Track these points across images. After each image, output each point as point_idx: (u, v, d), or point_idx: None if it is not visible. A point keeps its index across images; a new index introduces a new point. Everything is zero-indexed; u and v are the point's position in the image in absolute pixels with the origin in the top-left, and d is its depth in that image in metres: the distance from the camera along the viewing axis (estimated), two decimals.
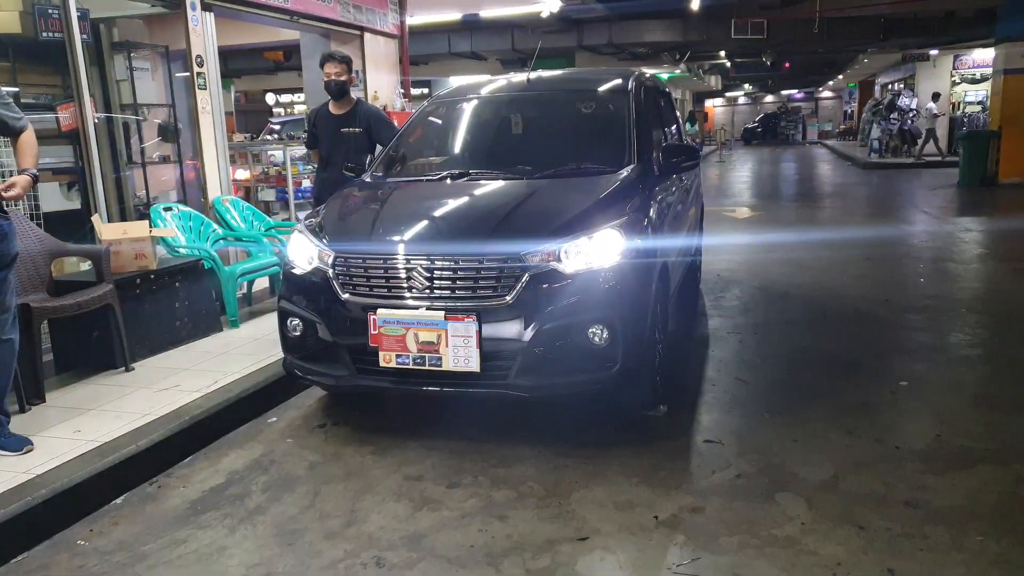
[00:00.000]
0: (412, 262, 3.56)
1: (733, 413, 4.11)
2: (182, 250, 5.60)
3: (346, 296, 3.68)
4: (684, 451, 3.65)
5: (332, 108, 5.66)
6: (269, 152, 9.78)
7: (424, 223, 3.85)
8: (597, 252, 3.54)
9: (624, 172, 4.21)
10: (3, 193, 3.33)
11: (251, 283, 6.34)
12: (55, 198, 6.94)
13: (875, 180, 17.94)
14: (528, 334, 3.45)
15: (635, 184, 4.14)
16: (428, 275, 3.53)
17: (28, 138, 3.56)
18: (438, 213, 3.96)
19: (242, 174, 9.66)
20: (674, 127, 6.18)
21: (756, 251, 8.98)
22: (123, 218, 6.83)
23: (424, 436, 3.93)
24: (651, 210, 4.07)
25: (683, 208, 5.25)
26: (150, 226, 5.14)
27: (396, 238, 3.72)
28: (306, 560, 2.86)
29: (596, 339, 3.49)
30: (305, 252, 3.90)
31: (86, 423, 3.88)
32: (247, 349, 5.08)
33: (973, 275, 7.41)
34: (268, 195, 8.99)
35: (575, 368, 3.54)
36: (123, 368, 4.67)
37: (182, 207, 6.01)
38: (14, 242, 3.52)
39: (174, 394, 4.26)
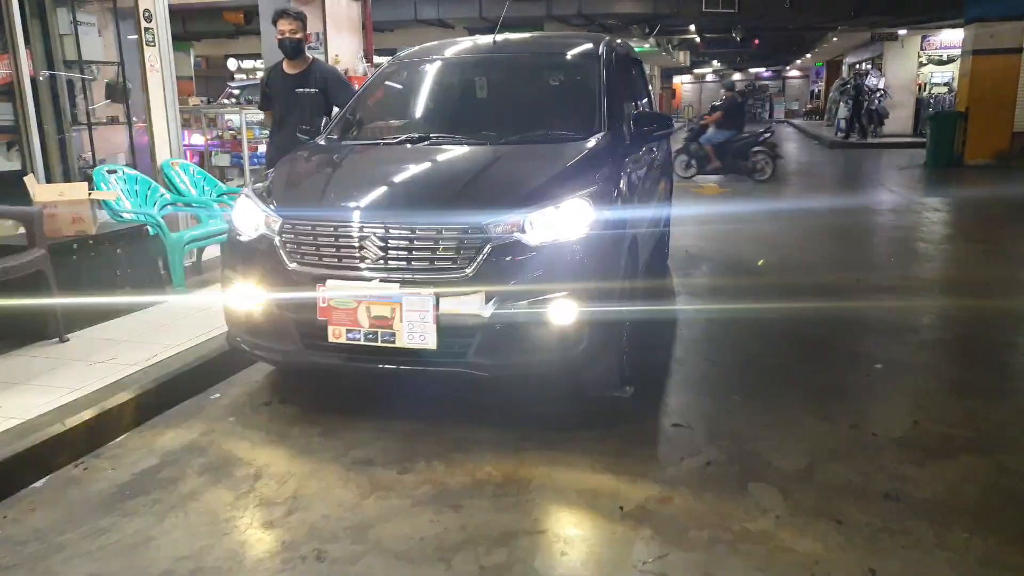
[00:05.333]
0: (365, 230, 3.30)
1: (702, 395, 3.94)
2: (127, 215, 5.27)
3: (293, 265, 3.41)
4: (651, 436, 3.46)
5: (286, 68, 5.32)
6: (226, 117, 9.38)
7: (379, 189, 3.59)
8: (564, 223, 3.31)
9: (593, 140, 3.98)
10: None
11: (201, 251, 6.02)
12: None
13: (842, 159, 17.93)
14: (489, 310, 3.22)
15: (605, 152, 3.92)
16: (382, 244, 3.28)
17: None
18: (395, 179, 3.69)
19: (199, 139, 9.27)
20: (645, 100, 5.94)
21: (724, 228, 8.81)
22: (67, 180, 6.43)
23: (377, 416, 3.70)
24: (621, 180, 3.85)
25: (654, 179, 5.04)
26: (90, 189, 4.79)
27: (348, 204, 3.46)
28: (239, 553, 2.62)
29: (561, 317, 3.27)
30: (251, 218, 3.62)
31: (9, 399, 3.58)
32: (193, 320, 4.78)
33: (943, 255, 7.33)
34: (223, 160, 8.61)
35: (538, 347, 3.33)
36: (57, 339, 4.36)
37: (128, 170, 5.66)
38: None
39: (110, 368, 3.97)
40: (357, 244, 3.30)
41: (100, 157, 6.96)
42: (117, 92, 6.97)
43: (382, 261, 3.28)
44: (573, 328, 3.29)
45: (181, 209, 5.84)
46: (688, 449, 3.31)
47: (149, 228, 5.13)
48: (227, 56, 24.84)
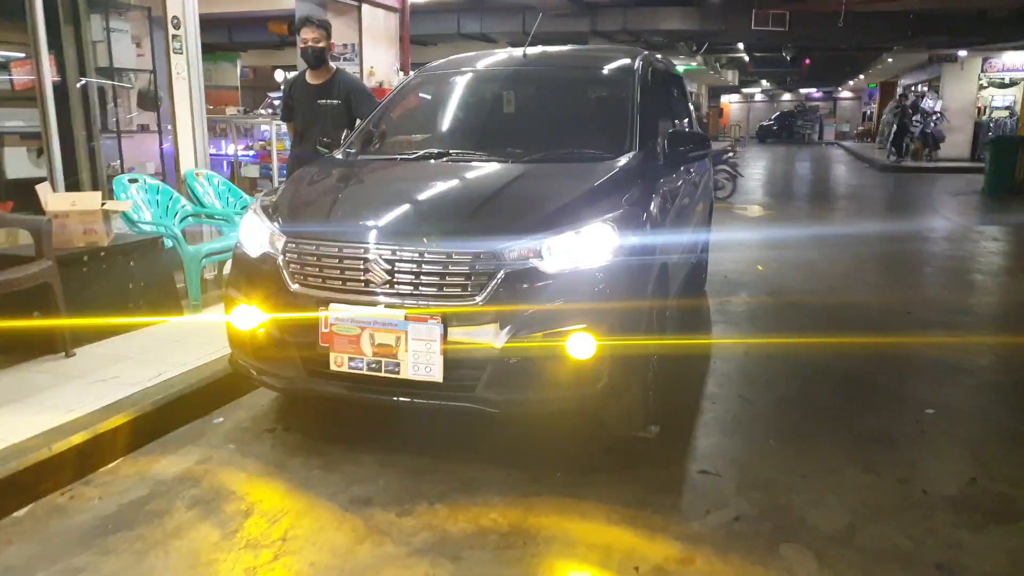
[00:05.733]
0: (371, 252, 3.08)
1: (734, 438, 3.63)
2: (146, 227, 5.14)
3: (296, 287, 3.21)
4: (676, 483, 3.17)
5: (309, 78, 5.16)
6: (262, 127, 9.30)
7: (389, 208, 3.36)
8: (585, 249, 3.06)
9: (623, 159, 3.72)
10: None
11: (221, 265, 5.87)
12: (23, 164, 6.49)
13: (893, 183, 17.35)
14: (501, 341, 2.98)
15: (635, 173, 3.66)
16: (388, 268, 3.06)
17: None
18: (406, 197, 3.47)
19: (233, 150, 9.22)
20: (685, 119, 5.66)
21: (767, 253, 8.46)
22: (96, 189, 6.36)
23: (382, 447, 3.47)
24: (651, 203, 3.58)
25: (690, 202, 4.75)
26: (103, 199, 4.67)
27: (354, 223, 3.25)
28: None
29: (580, 351, 3.02)
30: (256, 234, 3.43)
31: (2, 418, 3.43)
32: (206, 337, 4.60)
33: (1002, 289, 6.89)
34: (252, 171, 8.51)
35: (553, 383, 3.07)
36: (63, 354, 4.22)
37: (150, 179, 5.55)
38: None
39: (111, 387, 3.80)
40: (362, 267, 3.09)
41: (129, 166, 6.91)
42: (148, 100, 6.92)
43: (387, 285, 3.06)
44: (592, 364, 3.03)
45: (203, 221, 5.71)
46: (715, 500, 3.02)
47: (165, 240, 4.98)
48: (274, 67, 25.08)
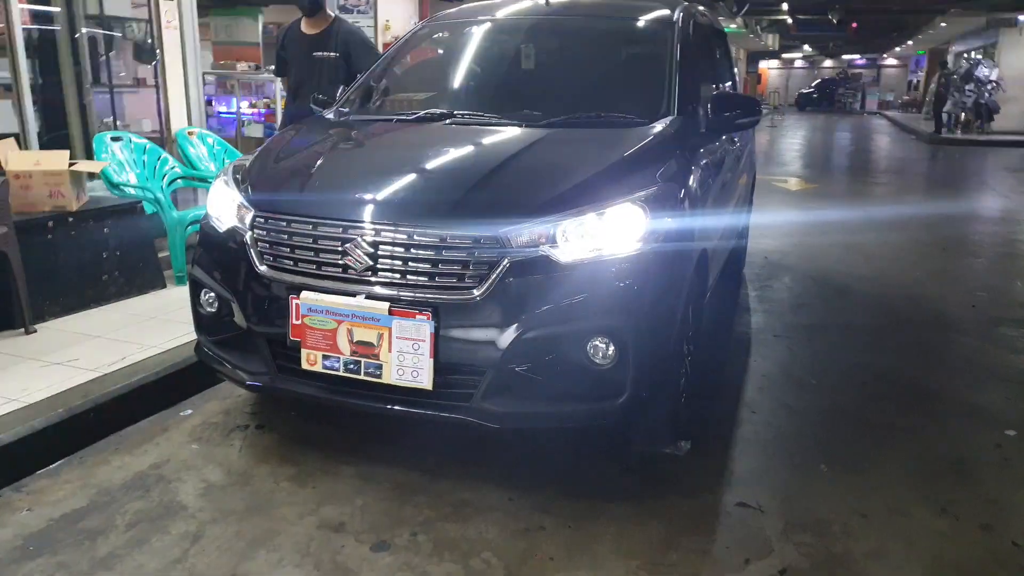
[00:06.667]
0: (350, 231, 2.57)
1: (778, 459, 3.09)
2: (131, 190, 4.67)
3: (264, 268, 2.72)
4: (708, 518, 2.65)
5: (304, 27, 4.59)
6: (274, 85, 8.77)
7: (376, 178, 2.83)
8: (609, 235, 2.52)
9: (659, 125, 3.15)
10: None
11: None
12: (7, 118, 6.05)
13: (942, 157, 16.44)
14: (504, 343, 2.46)
15: (672, 142, 3.09)
16: (370, 252, 2.54)
17: None
18: (398, 166, 2.94)
19: (246, 107, 8.72)
20: (728, 83, 5.03)
21: (810, 231, 7.81)
22: (86, 147, 5.90)
23: (366, 457, 2.98)
24: (691, 179, 3.02)
25: (732, 177, 4.17)
26: (71, 157, 4.18)
27: (333, 195, 2.74)
28: None
29: (598, 357, 2.50)
30: (224, 205, 2.93)
31: None
32: (186, 314, 4.12)
33: None
34: (256, 131, 8.00)
35: (566, 394, 2.56)
36: (22, 330, 3.78)
37: (136, 138, 5.06)
38: None
39: (65, 372, 3.36)
40: (340, 249, 2.58)
41: (125, 123, 6.45)
42: (145, 52, 6.42)
43: (369, 272, 2.55)
44: (614, 373, 2.51)
45: (194, 184, 5.22)
46: (756, 545, 2.49)
47: (145, 205, 4.51)
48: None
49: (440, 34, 4.19)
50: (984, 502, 2.77)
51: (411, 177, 2.84)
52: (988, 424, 3.40)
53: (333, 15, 4.69)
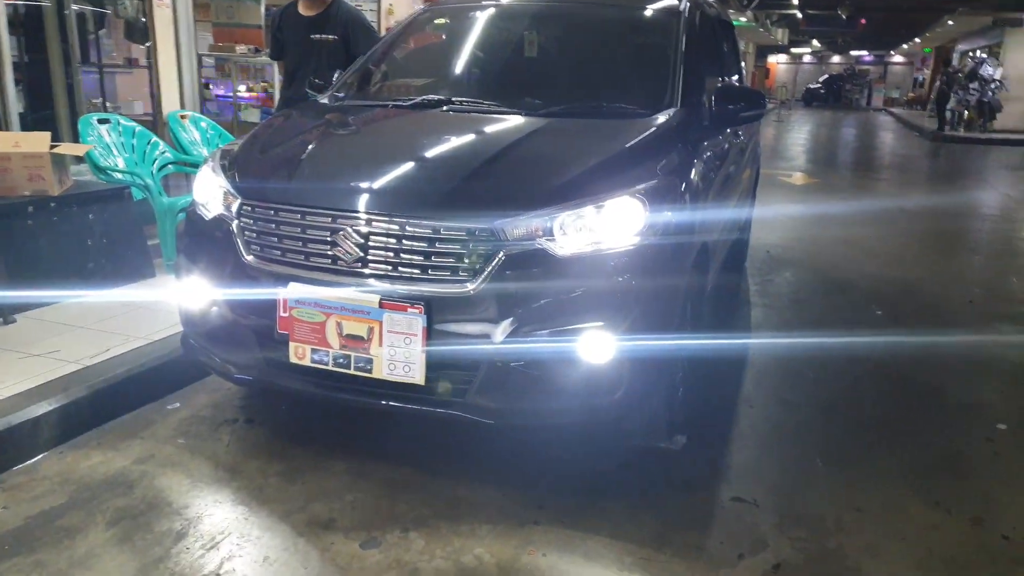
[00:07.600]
0: (340, 221, 2.48)
1: (774, 453, 3.03)
2: (119, 175, 4.57)
3: (250, 259, 2.63)
4: (703, 513, 2.59)
5: (301, 8, 4.48)
6: (271, 68, 8.66)
7: (367, 166, 2.74)
8: (607, 228, 2.44)
9: (661, 117, 3.07)
10: None
11: None
12: None
13: (945, 154, 16.36)
14: (498, 337, 2.39)
15: (674, 134, 3.01)
16: (361, 242, 2.46)
17: None
18: (391, 154, 2.85)
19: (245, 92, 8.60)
20: (735, 77, 4.93)
21: (812, 226, 7.75)
22: (73, 128, 5.80)
23: (358, 452, 2.91)
24: (692, 172, 2.94)
25: (736, 171, 4.09)
26: (52, 139, 4.07)
27: (322, 183, 2.66)
28: None
29: (596, 352, 2.42)
30: (210, 193, 2.84)
31: None
32: (174, 304, 4.06)
33: None
34: (252, 115, 7.90)
35: (559, 391, 2.48)
36: (1, 319, 3.69)
37: (125, 120, 4.95)
38: None
39: (44, 364, 3.27)
40: (329, 239, 2.49)
41: (116, 104, 6.34)
42: (137, 31, 6.30)
43: (359, 264, 2.47)
44: (608, 369, 2.44)
45: (185, 170, 5.12)
46: (750, 540, 2.44)
47: (134, 191, 4.41)
48: None
49: (441, 19, 4.10)
50: (974, 495, 2.77)
51: (405, 166, 2.75)
52: (980, 419, 3.41)
53: None
